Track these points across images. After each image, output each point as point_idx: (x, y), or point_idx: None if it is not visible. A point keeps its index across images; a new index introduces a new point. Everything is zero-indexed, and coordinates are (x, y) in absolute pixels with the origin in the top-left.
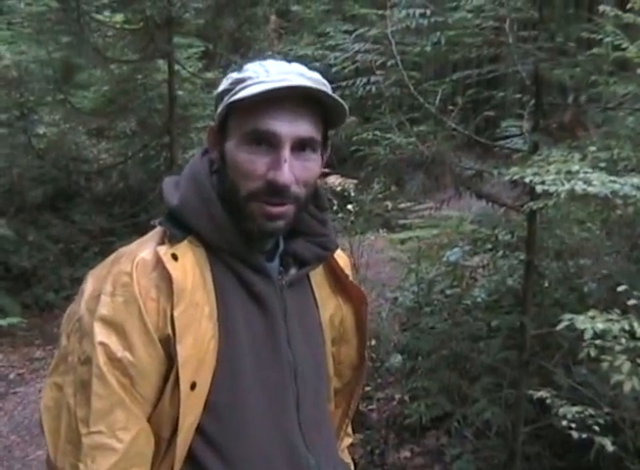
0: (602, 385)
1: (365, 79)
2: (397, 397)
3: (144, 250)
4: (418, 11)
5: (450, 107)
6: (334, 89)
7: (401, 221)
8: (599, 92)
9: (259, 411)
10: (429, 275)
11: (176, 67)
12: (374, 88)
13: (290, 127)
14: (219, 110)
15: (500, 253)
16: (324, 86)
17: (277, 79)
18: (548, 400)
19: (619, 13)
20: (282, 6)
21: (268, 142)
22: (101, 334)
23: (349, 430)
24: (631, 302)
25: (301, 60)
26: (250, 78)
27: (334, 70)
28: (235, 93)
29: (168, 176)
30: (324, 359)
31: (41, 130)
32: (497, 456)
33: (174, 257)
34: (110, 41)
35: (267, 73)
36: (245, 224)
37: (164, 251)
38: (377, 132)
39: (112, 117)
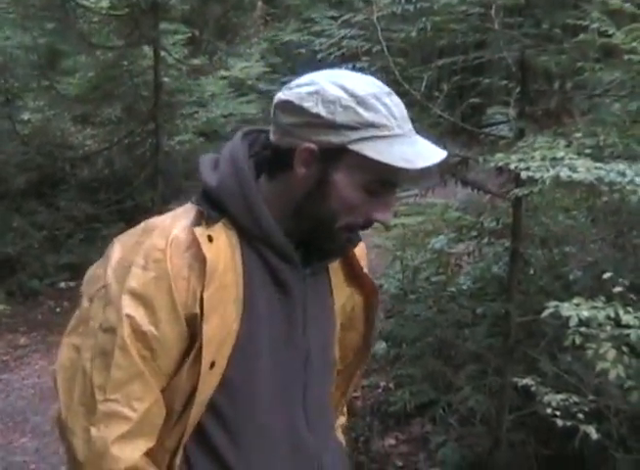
0: (587, 372)
1: (351, 65)
2: (382, 384)
3: (177, 226)
4: None
5: (436, 93)
6: None
7: None
8: (585, 79)
9: (268, 392)
10: (414, 262)
11: (162, 53)
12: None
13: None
14: (332, 139)
15: (485, 240)
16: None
17: (407, 135)
18: (533, 388)
19: None
20: None
21: (385, 188)
22: (129, 306)
23: (345, 410)
24: (616, 289)
25: (287, 45)
26: (383, 127)
27: (319, 56)
28: (366, 139)
29: (206, 154)
30: (333, 347)
31: (26, 116)
32: (482, 444)
33: (210, 238)
34: (95, 27)
35: (396, 121)
36: (323, 243)
37: (201, 231)
38: None
39: (97, 103)
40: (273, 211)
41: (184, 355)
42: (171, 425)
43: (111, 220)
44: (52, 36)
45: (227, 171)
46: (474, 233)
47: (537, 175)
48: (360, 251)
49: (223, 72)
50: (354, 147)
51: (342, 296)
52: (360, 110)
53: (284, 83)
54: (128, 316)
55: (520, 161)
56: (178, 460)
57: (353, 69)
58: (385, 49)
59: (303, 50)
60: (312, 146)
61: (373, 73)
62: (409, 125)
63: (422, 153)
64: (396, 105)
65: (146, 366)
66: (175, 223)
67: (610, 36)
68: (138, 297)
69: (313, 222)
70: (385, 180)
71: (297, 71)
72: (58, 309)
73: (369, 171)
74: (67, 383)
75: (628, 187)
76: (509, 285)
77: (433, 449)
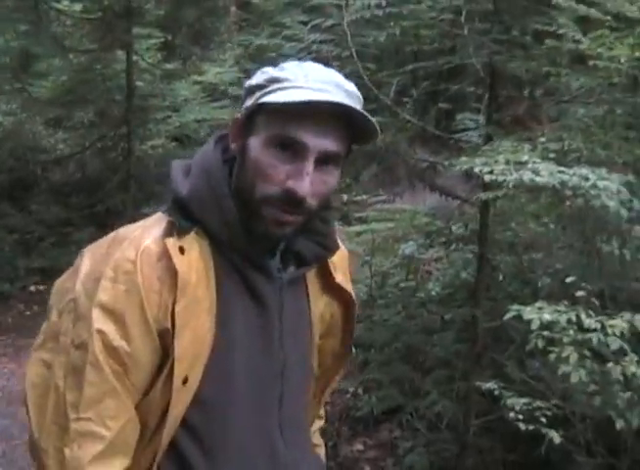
0: (554, 378)
1: None
2: (351, 389)
3: (148, 237)
4: (374, 1)
5: (405, 99)
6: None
7: (357, 214)
8: (554, 85)
9: (244, 407)
10: (383, 268)
11: (135, 57)
12: None
13: (318, 140)
14: (248, 103)
15: (454, 246)
16: (359, 102)
17: (316, 88)
18: (496, 392)
19: (573, 4)
20: None
21: (294, 150)
22: (99, 321)
23: (322, 412)
24: (579, 293)
25: (261, 50)
26: (287, 80)
27: (289, 60)
28: (270, 92)
29: (177, 161)
30: (310, 357)
31: None
32: (449, 449)
33: (181, 250)
34: (68, 30)
35: (306, 79)
36: (253, 224)
37: (172, 243)
38: None
39: (69, 106)
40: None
41: (157, 371)
42: (145, 442)
43: (82, 224)
44: (25, 39)
45: (198, 178)
46: (442, 239)
47: (500, 179)
48: (340, 259)
49: (197, 77)
50: (258, 102)
51: (320, 305)
52: (272, 70)
53: None
54: (99, 332)
55: (484, 164)
56: None
57: None
58: (354, 54)
59: (274, 54)
60: (238, 115)
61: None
62: (327, 86)
63: (321, 96)
64: (318, 72)
65: (119, 382)
66: (146, 234)
67: (578, 42)
68: (108, 311)
69: (242, 202)
70: (287, 136)
71: None
72: (28, 313)
73: (271, 124)
74: (38, 400)
75: (592, 191)
76: (476, 290)
77: (400, 455)
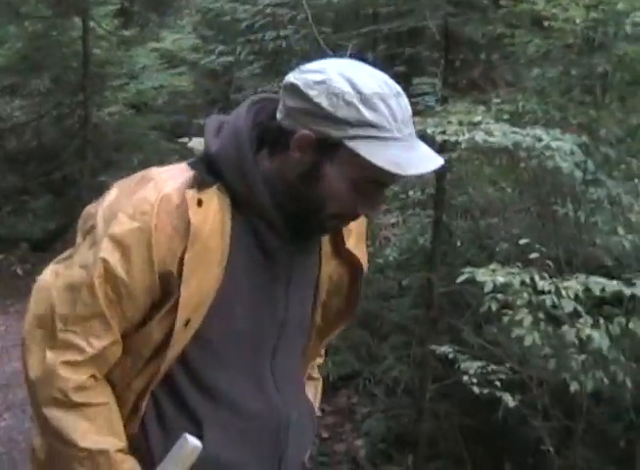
0: (510, 343)
1: (275, 33)
2: None
3: (172, 185)
4: None
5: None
6: (243, 43)
7: None
8: (511, 49)
9: (238, 351)
10: None
11: (92, 24)
12: (284, 43)
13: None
14: (329, 130)
15: (411, 211)
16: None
17: (406, 137)
18: (450, 355)
19: None
20: None
21: (375, 187)
22: (106, 250)
23: (322, 352)
24: (533, 255)
25: (217, 16)
26: (383, 128)
27: (244, 24)
28: (364, 138)
29: (213, 116)
30: (314, 312)
31: None
32: (407, 414)
33: (199, 202)
34: None
35: (397, 124)
36: (309, 220)
37: (191, 195)
38: None
39: (25, 74)
40: (268, 185)
41: (153, 308)
42: (138, 369)
43: (39, 192)
44: None
45: (228, 141)
46: (399, 204)
47: (453, 139)
48: (357, 223)
49: (154, 44)
50: (350, 143)
51: (331, 264)
52: (362, 108)
53: (215, 54)
54: (103, 260)
55: (436, 125)
56: (144, 403)
57: (277, 37)
58: (309, 17)
59: (229, 18)
60: (310, 134)
61: (297, 42)
62: (410, 129)
63: (415, 159)
64: (401, 107)
65: (109, 308)
66: (170, 180)
67: (533, 4)
68: (117, 243)
69: (302, 206)
70: (375, 180)
71: (227, 42)
72: None
73: (360, 170)
74: (34, 305)
75: (546, 153)
76: (432, 255)
77: (359, 420)
